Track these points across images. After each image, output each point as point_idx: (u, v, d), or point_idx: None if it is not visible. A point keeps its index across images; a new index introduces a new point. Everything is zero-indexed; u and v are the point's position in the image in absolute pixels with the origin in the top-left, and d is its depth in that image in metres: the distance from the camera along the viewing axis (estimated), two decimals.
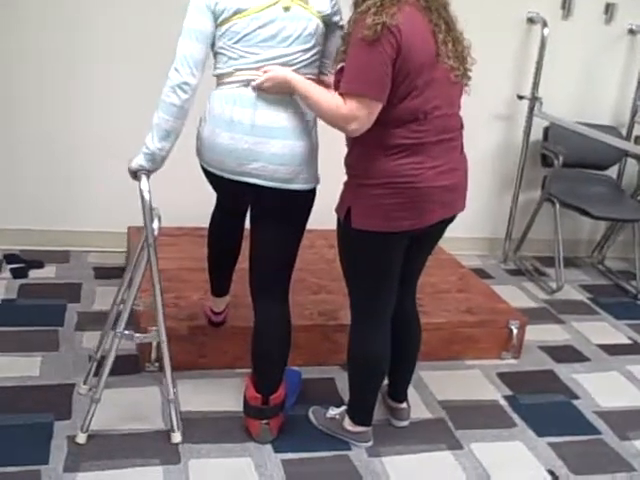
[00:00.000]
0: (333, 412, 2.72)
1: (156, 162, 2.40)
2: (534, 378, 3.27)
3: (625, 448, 2.81)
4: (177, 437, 2.55)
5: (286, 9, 2.30)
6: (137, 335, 2.57)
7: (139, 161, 2.40)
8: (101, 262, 3.95)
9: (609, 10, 4.42)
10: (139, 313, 2.96)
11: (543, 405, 3.05)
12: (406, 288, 2.59)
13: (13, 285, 3.59)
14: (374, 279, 2.44)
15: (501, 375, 3.24)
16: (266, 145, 2.32)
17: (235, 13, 2.28)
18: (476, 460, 2.64)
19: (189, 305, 3.13)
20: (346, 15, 2.34)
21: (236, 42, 2.31)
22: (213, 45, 2.36)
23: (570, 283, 4.38)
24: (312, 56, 2.38)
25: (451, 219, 2.44)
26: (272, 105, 2.33)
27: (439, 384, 3.10)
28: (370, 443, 2.65)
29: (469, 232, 4.25)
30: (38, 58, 3.76)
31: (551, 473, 2.62)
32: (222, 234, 2.78)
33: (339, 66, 2.26)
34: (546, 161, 4.42)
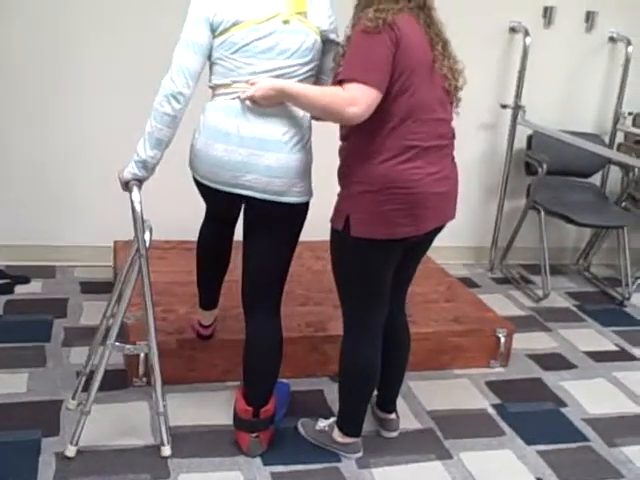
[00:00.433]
0: (322, 424, 2.71)
1: (148, 169, 2.40)
2: (522, 386, 3.28)
3: (613, 455, 2.82)
4: (167, 451, 2.54)
5: (285, 22, 2.30)
6: (128, 346, 2.56)
7: (131, 170, 2.40)
8: (87, 277, 3.93)
9: (590, 18, 4.46)
10: (128, 327, 2.95)
11: (531, 413, 3.06)
12: (396, 298, 2.59)
13: None
14: (369, 288, 2.44)
15: (489, 384, 3.25)
16: (260, 157, 2.32)
17: (234, 24, 2.28)
18: (465, 469, 2.65)
19: (178, 319, 3.12)
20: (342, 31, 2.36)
21: (233, 53, 2.31)
22: (210, 56, 2.35)
23: (556, 290, 4.40)
24: (309, 70, 2.38)
25: (441, 228, 2.46)
26: (267, 117, 2.32)
27: (428, 394, 3.10)
28: (360, 454, 2.65)
29: (455, 241, 4.26)
30: (25, 75, 3.76)
31: None
32: (211, 247, 2.77)
33: (339, 69, 2.28)
34: (530, 169, 4.45)
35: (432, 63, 2.27)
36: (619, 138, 4.71)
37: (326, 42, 2.41)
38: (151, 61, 3.68)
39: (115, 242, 3.86)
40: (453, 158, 2.44)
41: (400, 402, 2.88)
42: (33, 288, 3.78)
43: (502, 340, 3.34)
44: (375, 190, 2.27)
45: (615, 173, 4.72)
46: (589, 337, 3.86)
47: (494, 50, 4.38)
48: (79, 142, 3.89)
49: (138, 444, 2.60)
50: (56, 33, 3.72)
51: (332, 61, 2.38)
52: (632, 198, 4.65)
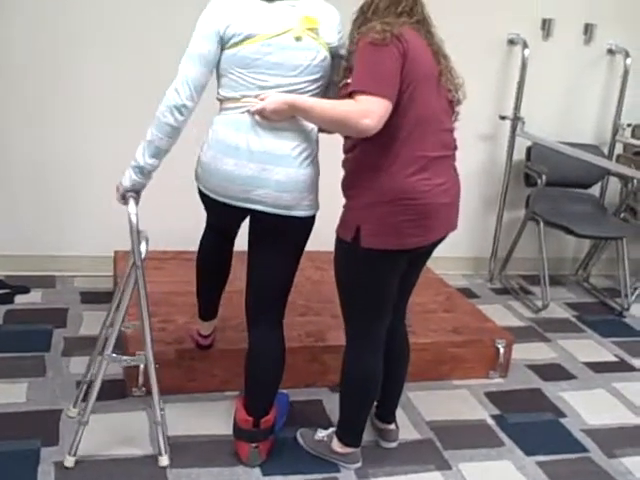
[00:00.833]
0: (321, 434, 2.71)
1: (145, 175, 2.40)
2: (521, 397, 3.28)
3: (613, 466, 2.81)
4: (164, 461, 2.54)
5: (297, 39, 2.30)
6: (124, 358, 2.56)
7: (128, 176, 2.41)
8: (87, 287, 3.93)
9: (588, 30, 4.48)
10: (127, 338, 2.95)
11: (531, 424, 3.06)
12: (396, 309, 2.59)
13: None
14: (375, 299, 2.44)
15: (488, 394, 3.25)
16: (271, 172, 2.32)
17: (246, 38, 2.27)
18: None
19: (177, 329, 3.12)
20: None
21: (243, 67, 2.30)
22: (218, 68, 2.35)
23: (556, 301, 4.40)
24: (318, 87, 2.38)
25: (444, 237, 2.46)
26: (277, 132, 2.32)
27: (427, 404, 3.10)
28: (359, 464, 2.65)
29: (455, 252, 4.26)
30: (26, 84, 3.77)
31: None
32: (212, 259, 2.76)
33: (343, 82, 2.29)
34: (529, 180, 4.47)
35: (438, 76, 2.29)
36: (618, 149, 4.72)
37: (335, 57, 2.41)
38: (152, 62, 3.74)
39: (115, 252, 3.87)
40: (455, 168, 2.46)
41: (399, 413, 2.87)
42: (33, 298, 3.78)
43: (501, 351, 3.35)
44: (386, 201, 2.28)
45: (614, 184, 4.74)
46: (588, 348, 3.86)
47: (493, 62, 4.41)
48: (79, 150, 3.90)
49: (137, 454, 2.59)
50: (56, 33, 3.72)
51: (335, 75, 2.39)
52: (631, 209, 4.67)
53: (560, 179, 4.44)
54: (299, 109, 2.28)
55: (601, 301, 4.55)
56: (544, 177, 4.24)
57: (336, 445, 2.64)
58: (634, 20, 4.52)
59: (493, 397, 3.23)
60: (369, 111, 2.14)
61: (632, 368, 3.67)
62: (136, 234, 2.40)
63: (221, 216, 2.58)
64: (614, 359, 3.76)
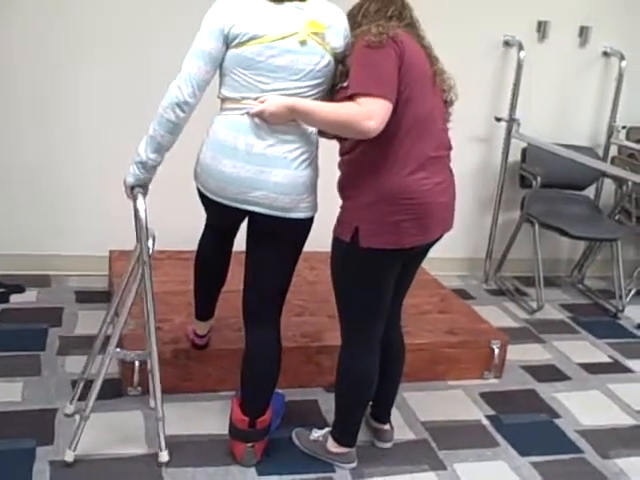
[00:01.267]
0: (316, 434, 2.72)
1: (148, 170, 2.40)
2: (516, 397, 3.28)
3: (607, 467, 2.82)
4: (164, 456, 2.54)
5: (302, 43, 2.28)
6: (130, 353, 2.56)
7: (131, 170, 2.41)
8: (82, 286, 3.93)
9: (583, 33, 4.49)
10: (123, 337, 2.95)
11: (525, 424, 3.07)
12: (392, 309, 2.60)
13: None
14: (373, 299, 2.45)
15: (483, 395, 3.26)
16: (269, 174, 2.32)
17: (251, 39, 2.26)
18: None
19: (173, 328, 3.12)
20: None
21: (246, 68, 2.29)
22: (221, 66, 2.34)
23: (550, 302, 4.41)
24: (319, 92, 2.37)
25: (440, 237, 2.47)
26: (275, 134, 2.32)
27: (422, 405, 3.11)
28: (354, 464, 2.65)
29: (450, 253, 4.27)
30: (23, 86, 3.77)
31: None
32: (210, 260, 2.76)
33: (339, 86, 2.29)
34: (524, 182, 4.48)
35: (433, 76, 2.31)
36: (613, 151, 4.73)
37: (338, 61, 2.39)
38: (152, 62, 3.74)
39: (110, 251, 3.87)
40: (451, 169, 2.47)
41: (394, 413, 2.88)
42: (28, 297, 3.77)
43: (496, 351, 3.36)
44: (386, 201, 2.29)
45: (609, 186, 4.75)
46: (583, 349, 3.87)
47: (488, 64, 4.41)
48: (75, 150, 3.89)
49: (133, 453, 2.59)
50: (52, 36, 3.72)
51: (331, 78, 2.39)
52: (625, 211, 4.68)
53: (555, 181, 4.45)
54: (299, 112, 2.28)
55: (596, 302, 4.56)
56: (539, 179, 4.26)
57: (331, 445, 2.65)
58: (629, 23, 4.53)
59: (488, 398, 3.24)
60: (372, 112, 2.14)
61: (626, 369, 3.68)
62: (145, 230, 2.38)
63: (220, 216, 2.58)
64: (608, 360, 3.77)
